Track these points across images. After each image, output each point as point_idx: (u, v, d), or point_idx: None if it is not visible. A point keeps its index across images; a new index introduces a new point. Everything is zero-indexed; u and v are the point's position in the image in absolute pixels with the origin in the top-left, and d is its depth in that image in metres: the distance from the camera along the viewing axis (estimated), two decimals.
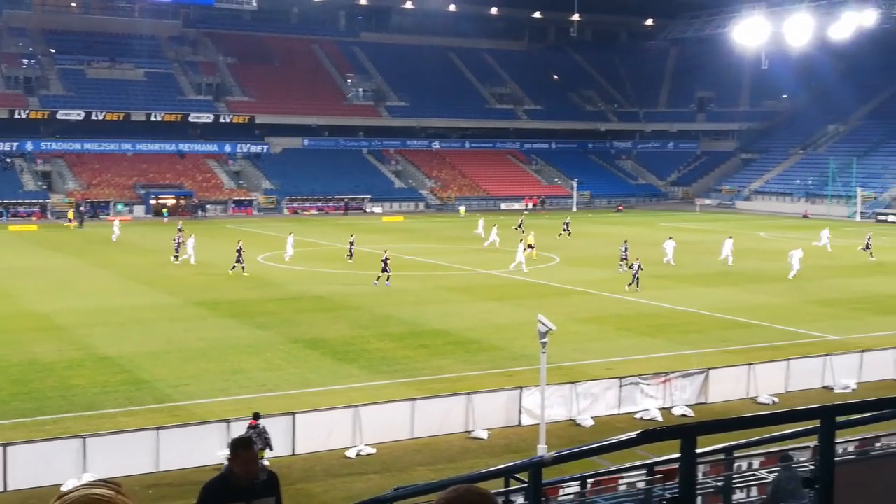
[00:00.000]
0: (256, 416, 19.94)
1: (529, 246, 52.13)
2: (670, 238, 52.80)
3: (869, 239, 56.23)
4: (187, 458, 20.26)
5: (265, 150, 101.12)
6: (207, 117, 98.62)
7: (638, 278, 42.09)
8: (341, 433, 21.49)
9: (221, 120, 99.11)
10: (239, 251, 46.40)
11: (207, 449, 20.32)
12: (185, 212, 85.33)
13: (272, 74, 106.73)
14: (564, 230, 65.30)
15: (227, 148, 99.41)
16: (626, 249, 49.13)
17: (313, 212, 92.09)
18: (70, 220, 75.26)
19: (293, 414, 21.43)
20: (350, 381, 26.62)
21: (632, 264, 43.38)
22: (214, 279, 45.46)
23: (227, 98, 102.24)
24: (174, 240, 52.63)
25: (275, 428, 20.91)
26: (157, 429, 20.71)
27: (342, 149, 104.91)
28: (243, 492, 7.04)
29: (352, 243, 52.36)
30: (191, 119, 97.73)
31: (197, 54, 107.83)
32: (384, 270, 42.68)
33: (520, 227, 65.56)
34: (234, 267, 46.25)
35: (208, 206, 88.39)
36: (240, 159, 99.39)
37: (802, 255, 47.31)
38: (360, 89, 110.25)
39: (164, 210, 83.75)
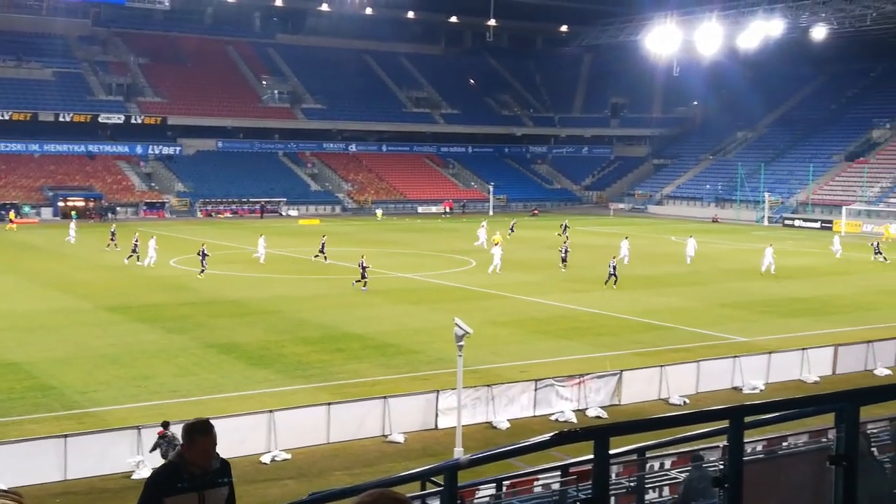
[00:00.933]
0: (165, 425, 19.42)
1: (495, 243, 55.19)
2: (626, 238, 55.76)
3: (877, 245, 58.94)
4: (96, 466, 19.81)
5: (178, 152, 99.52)
6: (118, 118, 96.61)
7: (615, 276, 44.63)
8: (255, 439, 21.23)
9: (133, 121, 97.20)
10: (203, 254, 46.53)
11: (117, 456, 19.93)
12: (94, 214, 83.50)
13: (185, 75, 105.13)
14: (563, 233, 66.21)
15: (139, 149, 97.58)
16: (565, 250, 51.74)
17: (227, 215, 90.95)
18: None
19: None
20: (264, 385, 26.33)
21: (610, 263, 45.57)
22: (126, 283, 44.55)
23: (139, 99, 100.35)
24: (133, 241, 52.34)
25: None
26: (65, 436, 20.17)
27: (257, 151, 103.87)
28: (196, 481, 6.27)
29: (323, 244, 52.44)
30: (101, 120, 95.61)
31: (107, 54, 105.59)
32: (363, 276, 42.66)
33: (563, 232, 66.63)
34: (202, 271, 46.11)
35: (119, 208, 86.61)
36: (151, 161, 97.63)
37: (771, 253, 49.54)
38: (276, 91, 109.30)
39: (73, 212, 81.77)
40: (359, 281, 42.90)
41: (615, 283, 44.55)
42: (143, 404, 24.28)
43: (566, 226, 68.87)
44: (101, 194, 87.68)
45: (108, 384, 26.24)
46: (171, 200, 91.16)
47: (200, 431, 6.29)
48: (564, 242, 53.37)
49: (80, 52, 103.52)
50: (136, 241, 52.09)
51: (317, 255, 52.04)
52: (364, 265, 43.08)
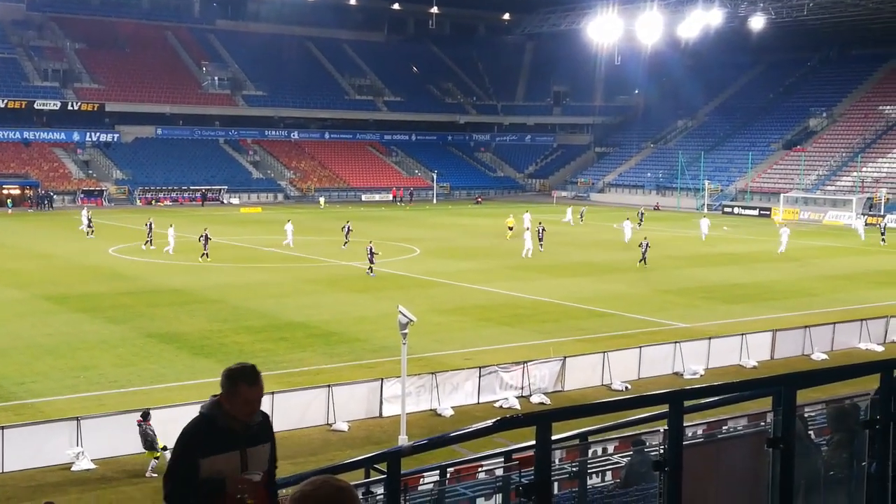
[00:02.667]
0: (145, 416, 19.62)
1: (509, 227, 59.78)
2: (627, 219, 59.86)
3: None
4: (34, 458, 19.51)
5: (116, 139, 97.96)
6: (54, 104, 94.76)
7: (646, 257, 47.82)
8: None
9: (69, 107, 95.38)
10: (205, 237, 47.83)
11: (56, 448, 19.64)
12: (30, 202, 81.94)
13: (123, 61, 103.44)
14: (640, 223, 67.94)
15: (76, 136, 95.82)
16: (543, 231, 54.66)
17: (167, 203, 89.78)
18: None
19: (147, 410, 20.84)
20: (207, 375, 26.03)
21: (641, 243, 48.71)
22: (64, 273, 43.82)
23: (75, 85, 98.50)
24: (146, 225, 53.22)
25: (128, 425, 20.35)
26: (2, 428, 19.77)
27: (197, 138, 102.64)
28: (237, 438, 5.30)
29: (348, 229, 53.83)
30: (36, 106, 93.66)
31: (43, 39, 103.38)
32: (371, 261, 43.21)
33: (640, 222, 68.36)
34: (204, 255, 47.46)
35: (56, 196, 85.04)
36: (89, 148, 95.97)
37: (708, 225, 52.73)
38: (216, 78, 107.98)
39: (9, 200, 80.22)
40: (370, 269, 43.37)
41: (644, 264, 47.49)
42: (82, 395, 23.94)
43: (643, 214, 72.02)
44: (37, 182, 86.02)
45: (45, 375, 25.81)
46: (109, 188, 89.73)
47: (247, 379, 5.30)
48: (644, 240, 49.96)
49: (14, 37, 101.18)
50: (150, 225, 52.78)
51: (346, 243, 52.89)
52: (372, 251, 43.63)
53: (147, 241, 52.25)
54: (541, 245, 53.48)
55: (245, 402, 5.28)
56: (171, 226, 51.67)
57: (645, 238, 49.80)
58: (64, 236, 55.89)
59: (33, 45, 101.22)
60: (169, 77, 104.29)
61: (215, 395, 5.39)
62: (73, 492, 18.53)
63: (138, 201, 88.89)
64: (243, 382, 5.27)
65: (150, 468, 19.50)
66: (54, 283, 40.87)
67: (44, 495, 18.08)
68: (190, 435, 5.30)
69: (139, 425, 19.56)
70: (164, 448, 19.06)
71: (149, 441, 19.46)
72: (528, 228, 56.11)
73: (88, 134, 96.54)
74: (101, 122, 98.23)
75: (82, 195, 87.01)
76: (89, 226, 58.36)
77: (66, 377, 25.67)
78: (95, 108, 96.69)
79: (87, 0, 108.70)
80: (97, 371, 26.32)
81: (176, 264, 46.91)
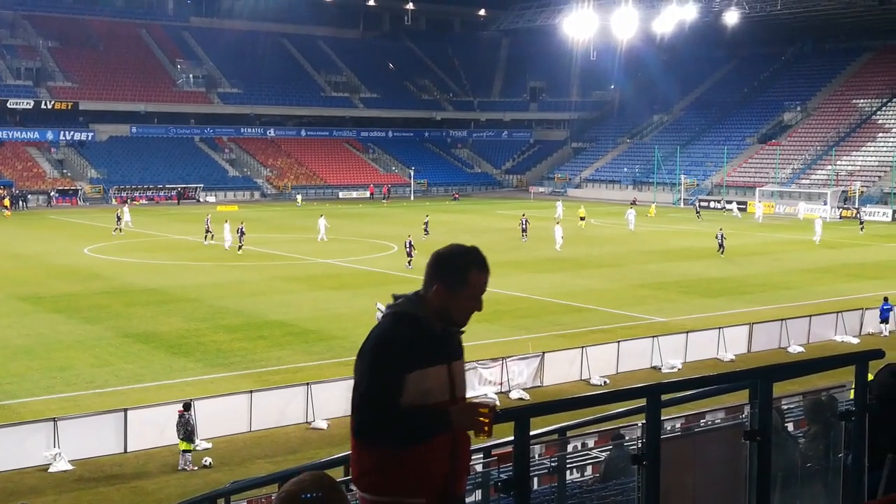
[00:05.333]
0: (187, 407, 19.95)
1: (581, 218, 63.10)
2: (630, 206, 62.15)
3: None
4: (10, 460, 19.34)
5: (90, 138, 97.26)
6: (27, 103, 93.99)
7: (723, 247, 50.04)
8: (175, 428, 20.95)
9: (43, 106, 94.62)
10: (241, 231, 49.82)
11: (32, 449, 19.51)
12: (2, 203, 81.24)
13: (97, 59, 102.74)
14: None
15: (50, 135, 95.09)
16: (526, 221, 57.44)
17: (143, 201, 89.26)
18: None
19: (125, 410, 20.75)
20: (184, 374, 25.98)
21: (717, 234, 50.95)
22: (38, 273, 43.49)
23: (49, 83, 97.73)
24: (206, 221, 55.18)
25: (105, 425, 20.25)
26: None
27: (172, 136, 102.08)
28: (443, 347, 4.17)
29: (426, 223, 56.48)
30: (9, 105, 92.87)
31: (15, 37, 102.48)
32: (409, 255, 44.41)
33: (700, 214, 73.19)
34: (240, 247, 49.35)
35: (30, 196, 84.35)
36: (63, 147, 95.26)
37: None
38: (191, 75, 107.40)
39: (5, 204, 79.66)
40: (409, 262, 44.25)
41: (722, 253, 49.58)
42: (58, 396, 23.78)
43: (699, 210, 74.72)
44: (10, 182, 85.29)
45: (21, 376, 25.62)
46: (83, 187, 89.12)
47: (477, 262, 4.23)
48: (720, 230, 52.08)
49: None
50: (208, 220, 54.59)
51: (427, 233, 55.48)
52: (411, 244, 44.74)
53: (208, 235, 53.89)
54: (524, 236, 55.56)
55: (472, 296, 4.18)
56: (226, 221, 53.27)
57: (720, 228, 52.36)
58: (38, 237, 55.49)
59: (5, 44, 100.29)
60: (143, 75, 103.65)
61: (397, 299, 4.21)
62: (51, 493, 18.40)
63: (113, 200, 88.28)
64: (474, 267, 4.18)
65: (186, 460, 19.53)
66: (29, 283, 40.55)
67: (21, 497, 17.96)
68: (394, 341, 4.04)
69: (181, 416, 19.64)
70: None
71: (189, 431, 19.48)
72: (583, 218, 61.20)
73: (62, 133, 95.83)
74: (74, 121, 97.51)
75: (57, 195, 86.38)
76: (119, 222, 59.08)
77: (42, 378, 25.49)
78: (69, 107, 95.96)
79: None
80: (74, 371, 26.15)
81: (151, 264, 46.66)
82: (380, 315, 20.83)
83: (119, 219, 59.03)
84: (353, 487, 4.15)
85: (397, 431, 3.99)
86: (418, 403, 3.99)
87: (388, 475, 4.05)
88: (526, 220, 57.70)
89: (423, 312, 4.09)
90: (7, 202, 77.12)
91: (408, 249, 44.85)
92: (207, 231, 54.20)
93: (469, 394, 17.92)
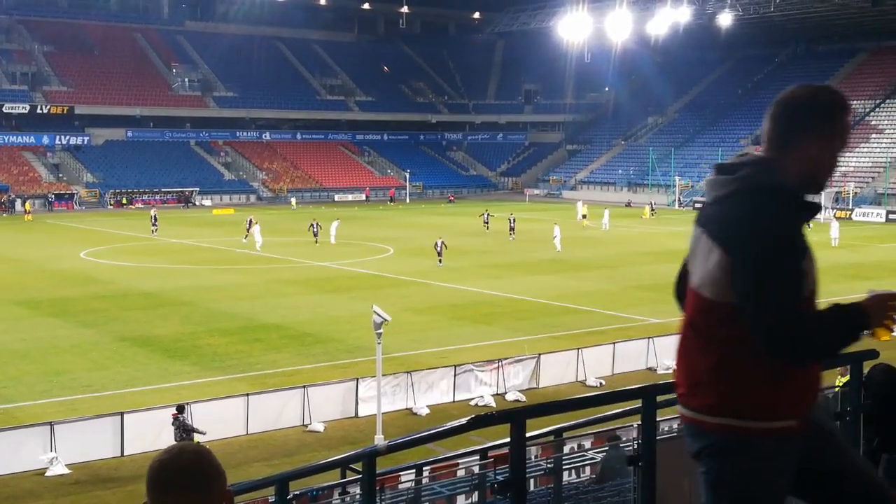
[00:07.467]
0: (180, 409, 19.83)
1: (583, 216, 65.53)
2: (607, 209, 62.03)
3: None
4: (8, 464, 19.37)
5: (86, 142, 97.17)
6: (23, 108, 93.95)
7: None
8: (172, 432, 20.95)
9: (38, 110, 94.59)
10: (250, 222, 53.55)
11: (29, 453, 19.50)
12: (3, 207, 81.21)
13: (92, 63, 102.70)
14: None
15: (45, 140, 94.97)
16: (513, 220, 59.59)
17: (139, 205, 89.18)
18: None
19: (121, 414, 20.77)
20: (181, 378, 25.99)
21: None
22: (34, 277, 43.46)
23: (44, 88, 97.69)
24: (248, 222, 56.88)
25: (102, 429, 20.25)
26: None
27: (168, 140, 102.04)
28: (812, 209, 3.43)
29: (316, 228, 56.06)
30: (5, 109, 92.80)
31: (11, 42, 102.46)
32: (439, 254, 46.23)
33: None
34: (245, 236, 53.31)
35: (26, 200, 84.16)
36: (59, 151, 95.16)
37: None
38: (186, 79, 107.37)
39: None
40: (440, 261, 46.06)
41: None
42: (55, 400, 23.77)
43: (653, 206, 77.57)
44: (6, 186, 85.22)
45: (17, 380, 25.62)
46: (80, 192, 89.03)
47: (846, 103, 3.51)
48: None
49: None
50: (250, 223, 55.82)
51: (512, 229, 57.80)
52: (443, 243, 46.73)
53: (247, 235, 55.22)
54: (512, 234, 57.34)
55: (841, 147, 3.48)
56: (256, 224, 54.94)
57: None
58: (34, 241, 55.43)
59: (1, 49, 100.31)
60: (138, 79, 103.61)
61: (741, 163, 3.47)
62: (48, 497, 18.42)
63: (109, 204, 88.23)
64: (847, 109, 3.46)
65: None
66: (26, 287, 40.52)
67: (18, 501, 17.97)
68: (782, 222, 3.30)
69: (175, 419, 19.50)
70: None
71: (188, 431, 19.44)
72: (585, 216, 63.80)
73: (58, 137, 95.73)
74: (70, 125, 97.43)
75: (53, 199, 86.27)
76: (154, 224, 61.07)
77: (38, 382, 25.48)
78: (65, 111, 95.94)
79: (55, 2, 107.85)
80: (70, 376, 26.14)
81: (146, 267, 46.65)
82: (376, 318, 20.55)
83: (154, 220, 61.38)
84: (703, 417, 3.45)
85: (822, 339, 3.29)
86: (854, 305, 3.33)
87: (770, 395, 3.37)
88: (514, 219, 59.31)
89: (791, 181, 3.38)
90: (28, 206, 77.78)
91: (438, 250, 46.50)
92: (248, 230, 55.30)
93: (465, 395, 18.04)
